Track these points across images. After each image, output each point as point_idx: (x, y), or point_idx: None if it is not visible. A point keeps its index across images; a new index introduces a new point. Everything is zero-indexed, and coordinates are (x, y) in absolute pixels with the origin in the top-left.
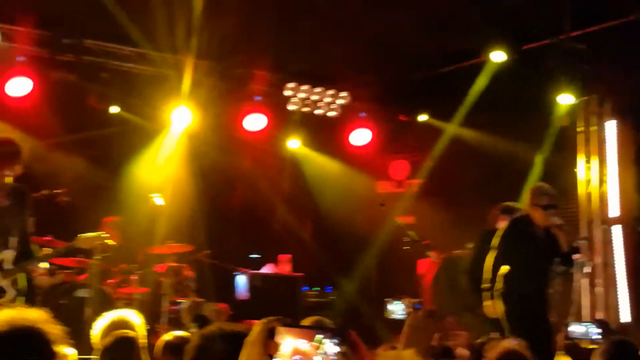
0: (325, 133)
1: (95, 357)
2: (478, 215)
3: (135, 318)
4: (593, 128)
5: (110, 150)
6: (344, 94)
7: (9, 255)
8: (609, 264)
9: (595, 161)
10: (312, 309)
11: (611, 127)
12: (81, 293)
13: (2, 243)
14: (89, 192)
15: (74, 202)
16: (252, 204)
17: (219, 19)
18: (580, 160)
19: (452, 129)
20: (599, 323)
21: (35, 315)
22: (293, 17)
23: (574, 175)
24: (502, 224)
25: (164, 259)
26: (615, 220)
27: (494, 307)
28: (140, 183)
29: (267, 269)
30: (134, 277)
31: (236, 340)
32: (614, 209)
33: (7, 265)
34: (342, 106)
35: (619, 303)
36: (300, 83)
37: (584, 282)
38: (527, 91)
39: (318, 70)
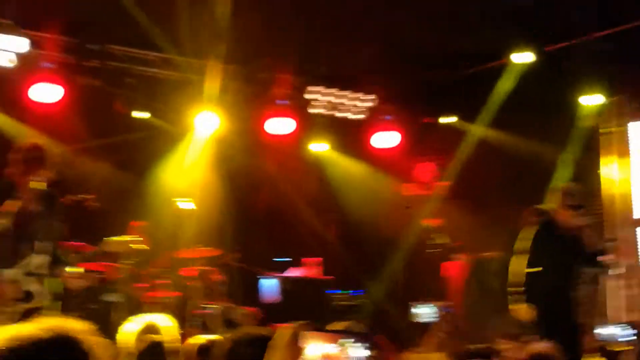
0: (351, 136)
1: None
2: (505, 216)
3: (166, 322)
4: (618, 129)
5: (136, 155)
6: (369, 96)
7: (39, 260)
8: (635, 265)
9: (620, 162)
10: (340, 312)
11: (636, 128)
12: (111, 297)
13: (32, 248)
14: (117, 197)
15: (102, 207)
16: (278, 207)
17: (243, 23)
18: (605, 161)
19: (477, 130)
20: (634, 325)
21: (75, 325)
22: (317, 20)
23: (599, 176)
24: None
25: (192, 263)
26: None
27: (524, 310)
28: (166, 187)
29: (293, 272)
30: (162, 281)
31: (264, 345)
32: (639, 210)
33: (38, 270)
34: (367, 109)
35: None
36: (326, 86)
37: (614, 284)
38: (552, 92)
39: (343, 73)
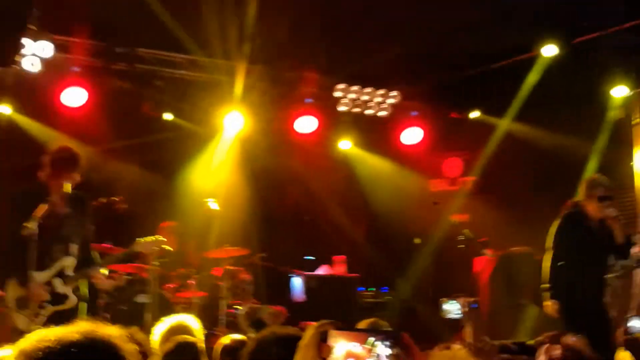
0: (377, 133)
1: None
2: (533, 211)
3: (193, 322)
4: None
5: (165, 156)
6: (394, 93)
7: (70, 262)
8: None
9: None
10: (368, 310)
11: None
12: (141, 298)
13: (63, 250)
14: (145, 199)
15: (130, 209)
16: (305, 206)
17: (269, 23)
18: (637, 152)
19: (504, 125)
20: None
21: (112, 331)
22: (341, 19)
23: (630, 168)
24: None
25: (220, 263)
26: None
27: (549, 307)
28: (195, 188)
29: (321, 270)
30: (191, 282)
31: (290, 344)
32: None
33: (69, 272)
34: (392, 105)
35: None
36: (350, 84)
37: None
38: (580, 85)
39: (368, 70)
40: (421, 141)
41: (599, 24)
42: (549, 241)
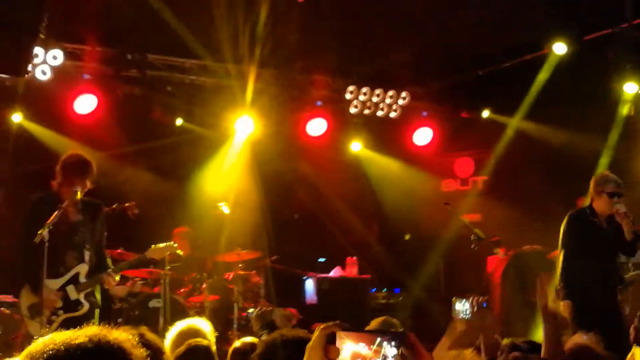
0: (387, 134)
1: None
2: (545, 209)
3: (204, 326)
4: None
5: (176, 161)
6: (404, 94)
7: (83, 269)
8: None
9: None
10: (380, 311)
11: None
12: (154, 303)
13: (76, 257)
14: (157, 204)
15: (142, 214)
16: (316, 208)
17: (279, 27)
18: None
19: (515, 123)
20: None
21: (122, 335)
22: (351, 21)
23: None
24: None
25: (232, 267)
26: None
27: (561, 306)
28: (206, 192)
29: (335, 272)
30: (204, 286)
31: (299, 347)
32: None
33: (82, 279)
34: (403, 106)
35: None
36: (360, 86)
37: None
38: (591, 82)
39: (378, 72)
40: (432, 141)
41: (609, 21)
42: (560, 240)
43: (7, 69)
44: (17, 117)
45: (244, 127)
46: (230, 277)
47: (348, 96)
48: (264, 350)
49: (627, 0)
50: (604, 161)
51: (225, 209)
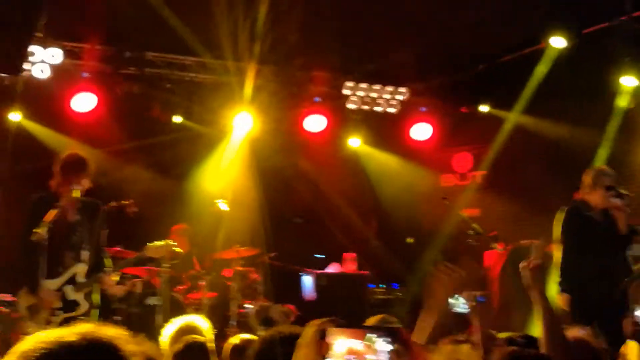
0: (386, 130)
1: None
2: (543, 204)
3: (202, 323)
4: None
5: (175, 158)
6: (402, 89)
7: (81, 269)
8: None
9: None
10: (379, 306)
11: None
12: (152, 301)
13: (74, 257)
14: (156, 201)
15: (141, 212)
16: (315, 204)
17: (278, 24)
18: None
19: (514, 118)
20: None
21: (113, 332)
22: (350, 18)
23: None
24: None
25: (231, 264)
26: None
27: (563, 299)
28: (205, 189)
29: (332, 268)
30: (202, 283)
31: (295, 344)
32: None
33: (80, 279)
34: (401, 102)
35: None
36: (359, 82)
37: None
38: (590, 75)
39: (377, 68)
40: (430, 137)
41: (608, 14)
42: (556, 234)
43: (2, 68)
44: (16, 116)
45: (242, 124)
46: (229, 274)
47: (346, 92)
48: (262, 346)
49: None
50: (602, 154)
51: (223, 206)
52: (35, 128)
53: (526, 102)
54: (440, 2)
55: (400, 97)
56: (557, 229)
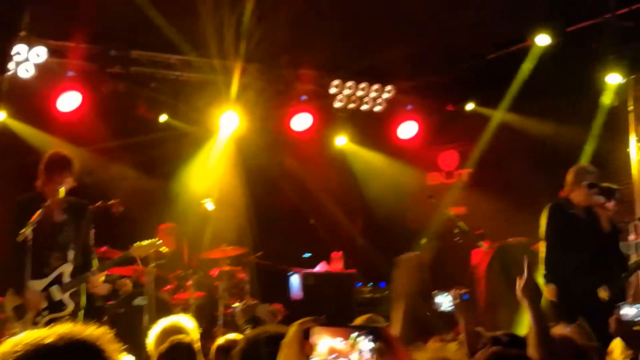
0: (372, 128)
1: None
2: (529, 201)
3: (188, 323)
4: None
5: (161, 157)
6: (389, 88)
7: (67, 269)
8: None
9: None
10: (366, 305)
11: None
12: (138, 301)
13: (60, 257)
14: (142, 200)
15: (127, 212)
16: (301, 203)
17: (264, 22)
18: (632, 139)
19: (500, 116)
20: None
21: (93, 331)
22: (336, 17)
23: (627, 155)
24: None
25: (217, 263)
26: None
27: (550, 290)
28: (191, 188)
29: (320, 267)
30: (189, 283)
31: (280, 343)
32: None
33: (66, 279)
34: (387, 100)
35: None
36: (345, 80)
37: None
38: (575, 73)
39: (367, 68)
40: (417, 135)
41: (593, 12)
42: (541, 232)
43: None
44: (0, 115)
45: (228, 123)
46: (216, 273)
47: (332, 90)
48: (246, 346)
49: None
50: (587, 152)
51: (210, 205)
52: (20, 127)
53: (511, 100)
54: (427, 2)
55: (387, 96)
56: (542, 226)
